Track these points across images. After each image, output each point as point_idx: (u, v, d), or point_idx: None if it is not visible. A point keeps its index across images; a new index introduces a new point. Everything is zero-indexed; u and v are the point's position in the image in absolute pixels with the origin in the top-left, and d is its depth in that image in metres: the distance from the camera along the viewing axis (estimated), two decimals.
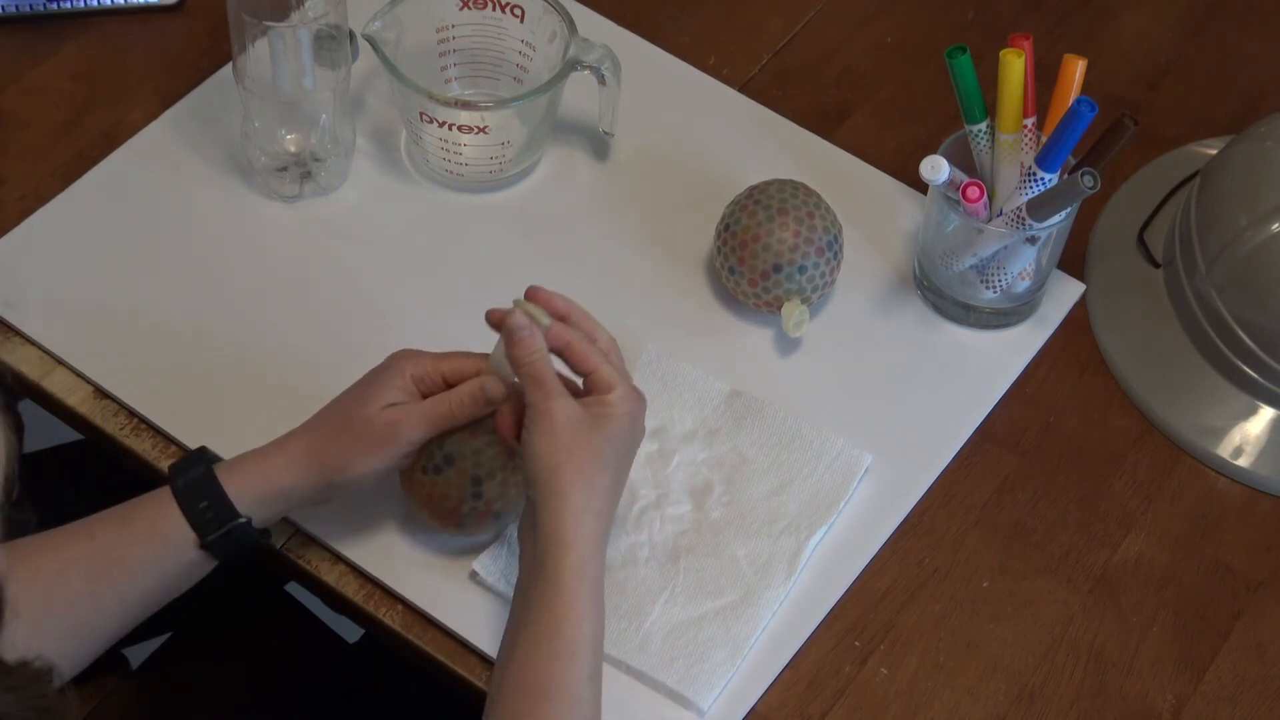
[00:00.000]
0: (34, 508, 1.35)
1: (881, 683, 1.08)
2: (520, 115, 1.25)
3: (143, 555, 1.02)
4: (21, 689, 0.77)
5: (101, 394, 1.16)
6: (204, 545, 1.02)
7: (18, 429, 1.30)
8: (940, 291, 1.22)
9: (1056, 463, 1.18)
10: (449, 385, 1.04)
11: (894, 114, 1.34)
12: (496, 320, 1.02)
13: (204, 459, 1.04)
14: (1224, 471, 1.18)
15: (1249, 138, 1.23)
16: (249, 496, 1.02)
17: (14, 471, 0.77)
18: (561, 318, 1.03)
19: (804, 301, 1.18)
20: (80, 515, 1.16)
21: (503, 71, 1.27)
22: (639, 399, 1.02)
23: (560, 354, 1.02)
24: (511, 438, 1.03)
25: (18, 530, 0.78)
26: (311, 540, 1.10)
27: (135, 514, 1.03)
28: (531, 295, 1.02)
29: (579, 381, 1.03)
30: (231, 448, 1.12)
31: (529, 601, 0.98)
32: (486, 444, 1.05)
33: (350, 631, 1.26)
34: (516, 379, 1.02)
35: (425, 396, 1.04)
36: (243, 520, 1.02)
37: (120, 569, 1.02)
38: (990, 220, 1.17)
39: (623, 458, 1.02)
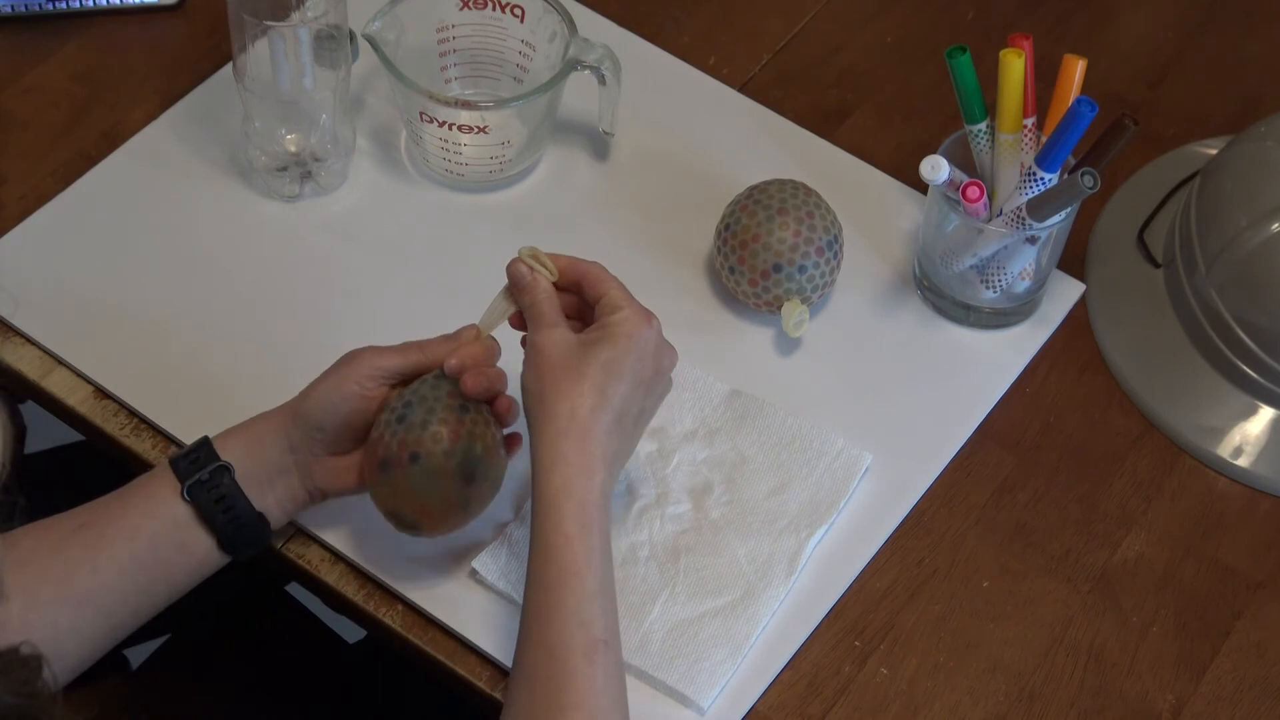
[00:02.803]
0: (34, 509, 1.35)
1: (881, 683, 1.08)
2: (520, 115, 1.25)
3: (134, 518, 1.03)
4: (9, 674, 0.77)
5: (101, 394, 1.16)
6: (187, 492, 1.02)
7: (18, 430, 1.30)
8: (940, 291, 1.22)
9: (1056, 463, 1.18)
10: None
11: (894, 114, 1.34)
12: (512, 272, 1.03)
13: (205, 440, 1.05)
14: (1224, 471, 1.18)
15: (1249, 138, 1.23)
16: (233, 447, 1.04)
17: (7, 457, 0.77)
18: (563, 272, 1.03)
19: (804, 301, 1.18)
20: None
21: (503, 71, 1.27)
22: (645, 321, 1.00)
23: (578, 286, 1.02)
24: (479, 397, 1.03)
25: (3, 512, 0.79)
26: (311, 540, 1.10)
27: (129, 486, 1.05)
28: (535, 253, 1.02)
29: None
30: None
31: (530, 531, 0.97)
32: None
33: (350, 631, 1.26)
34: (494, 333, 1.03)
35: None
36: (222, 463, 1.03)
37: (114, 534, 1.02)
38: (990, 220, 1.17)
39: (631, 379, 0.98)
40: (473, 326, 1.05)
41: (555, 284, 1.02)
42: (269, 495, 1.05)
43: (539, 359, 0.98)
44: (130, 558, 1.03)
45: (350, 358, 1.04)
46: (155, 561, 1.04)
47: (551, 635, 0.94)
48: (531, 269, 1.02)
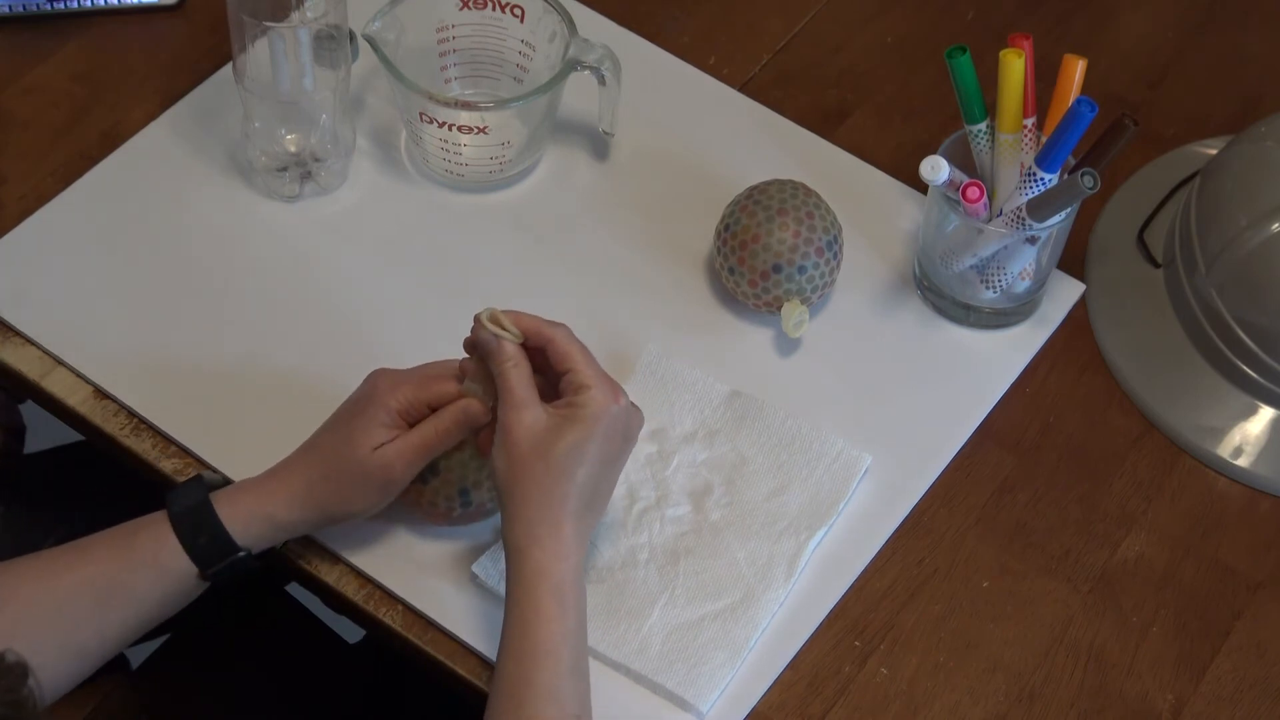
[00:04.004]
0: (35, 508, 1.35)
1: (881, 683, 1.08)
2: (520, 115, 1.25)
3: (145, 586, 1.03)
4: None
5: (101, 394, 1.16)
6: (204, 576, 1.03)
7: (18, 430, 1.30)
8: (940, 291, 1.22)
9: (1056, 463, 1.18)
10: (433, 409, 1.04)
11: (894, 114, 1.34)
12: (471, 343, 1.03)
13: (201, 485, 1.04)
14: (1224, 471, 1.18)
15: (1249, 138, 1.23)
16: (249, 531, 1.03)
17: None
18: (528, 334, 1.01)
19: (804, 301, 1.18)
20: (80, 515, 1.16)
21: (503, 71, 1.27)
22: (612, 398, 1.00)
23: (543, 352, 1.01)
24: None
25: None
26: (311, 540, 1.10)
27: (135, 543, 1.03)
28: (494, 316, 1.01)
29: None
30: (231, 447, 1.12)
31: (506, 606, 0.99)
32: (471, 455, 1.06)
33: (350, 632, 1.26)
34: (491, 400, 1.02)
35: (411, 423, 1.04)
36: (243, 554, 1.03)
37: (124, 598, 1.03)
38: (990, 220, 1.17)
39: (598, 460, 0.99)
40: (473, 400, 1.04)
41: (523, 343, 1.01)
42: (273, 545, 1.07)
43: (509, 445, 0.99)
44: (137, 618, 1.04)
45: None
46: (160, 617, 1.05)
47: (525, 713, 0.96)
48: (497, 336, 1.00)
